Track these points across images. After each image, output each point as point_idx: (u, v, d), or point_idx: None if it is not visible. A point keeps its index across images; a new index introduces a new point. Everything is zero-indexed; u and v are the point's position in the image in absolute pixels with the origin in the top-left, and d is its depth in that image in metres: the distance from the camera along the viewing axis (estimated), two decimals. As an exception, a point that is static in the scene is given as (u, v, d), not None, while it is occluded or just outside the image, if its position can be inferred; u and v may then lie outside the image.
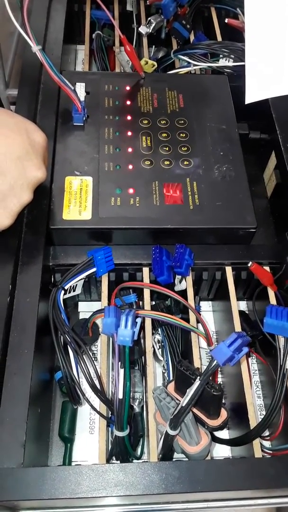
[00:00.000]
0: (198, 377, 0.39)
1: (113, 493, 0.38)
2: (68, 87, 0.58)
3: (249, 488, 0.40)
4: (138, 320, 0.43)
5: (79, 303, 0.61)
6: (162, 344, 0.56)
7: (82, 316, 0.60)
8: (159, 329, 0.56)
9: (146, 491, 0.38)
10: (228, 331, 0.54)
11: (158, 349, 0.56)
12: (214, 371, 0.39)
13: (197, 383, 0.39)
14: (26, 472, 0.39)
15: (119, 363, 0.41)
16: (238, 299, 0.57)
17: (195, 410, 0.43)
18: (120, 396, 0.41)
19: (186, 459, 0.45)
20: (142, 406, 0.52)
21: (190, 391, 0.39)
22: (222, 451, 0.54)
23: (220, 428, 0.43)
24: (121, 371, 0.41)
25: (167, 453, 0.44)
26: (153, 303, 0.57)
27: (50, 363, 0.53)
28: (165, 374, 0.55)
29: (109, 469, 0.39)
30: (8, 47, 1.35)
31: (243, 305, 0.63)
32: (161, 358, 0.55)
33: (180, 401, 0.40)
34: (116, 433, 0.43)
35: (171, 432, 0.40)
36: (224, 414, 0.43)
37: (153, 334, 0.54)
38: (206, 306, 0.63)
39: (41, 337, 0.47)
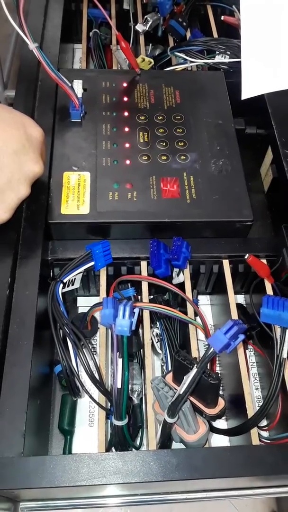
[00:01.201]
0: (195, 365, 0.39)
1: (112, 481, 0.39)
2: (65, 83, 0.58)
3: (247, 475, 0.40)
4: (136, 311, 0.43)
5: (78, 298, 0.61)
6: (161, 337, 0.56)
7: (81, 311, 0.60)
8: (158, 323, 0.56)
9: (145, 479, 0.39)
10: (226, 324, 0.54)
11: (157, 342, 0.56)
12: (211, 358, 0.39)
13: (194, 370, 0.39)
14: (26, 461, 0.39)
15: (118, 353, 0.42)
16: (236, 293, 0.57)
17: (193, 399, 0.43)
18: (119, 385, 0.41)
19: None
20: (141, 398, 0.52)
21: (188, 378, 0.39)
22: (220, 443, 0.54)
23: (218, 416, 0.43)
24: (120, 361, 0.42)
25: (165, 441, 0.44)
26: (151, 297, 0.57)
27: (49, 357, 0.54)
28: (164, 367, 0.55)
29: (108, 457, 0.39)
30: (6, 49, 1.36)
31: (241, 299, 0.63)
32: (159, 351, 0.55)
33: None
34: (115, 422, 0.43)
35: (169, 420, 0.41)
36: (221, 402, 0.43)
37: (151, 328, 0.54)
38: (204, 300, 0.64)
39: (40, 330, 0.48)
